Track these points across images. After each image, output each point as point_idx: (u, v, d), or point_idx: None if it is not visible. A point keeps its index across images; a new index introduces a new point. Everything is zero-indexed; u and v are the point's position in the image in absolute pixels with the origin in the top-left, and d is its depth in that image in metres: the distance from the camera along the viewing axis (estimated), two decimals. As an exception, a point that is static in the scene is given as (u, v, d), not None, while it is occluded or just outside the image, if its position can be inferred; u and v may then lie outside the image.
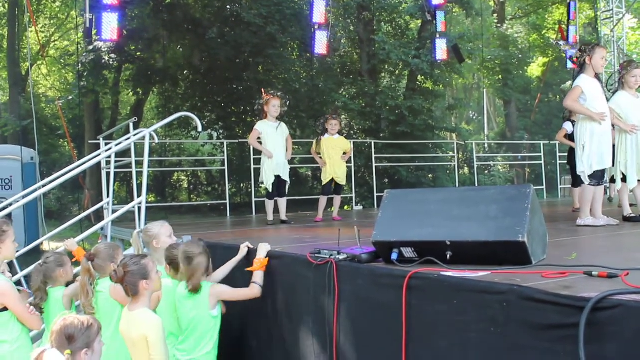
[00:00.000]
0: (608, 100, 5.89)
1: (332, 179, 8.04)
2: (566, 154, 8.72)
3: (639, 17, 25.67)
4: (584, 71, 5.65)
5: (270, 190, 7.47)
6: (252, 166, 10.57)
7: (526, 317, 2.40)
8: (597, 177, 5.61)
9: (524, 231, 2.94)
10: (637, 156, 5.91)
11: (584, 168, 5.57)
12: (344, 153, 8.15)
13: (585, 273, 2.72)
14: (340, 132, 8.24)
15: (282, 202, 7.65)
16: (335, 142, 8.08)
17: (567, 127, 8.04)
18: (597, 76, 5.74)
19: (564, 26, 13.89)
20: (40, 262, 4.20)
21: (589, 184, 5.61)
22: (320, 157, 8.11)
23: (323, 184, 8.18)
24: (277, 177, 7.40)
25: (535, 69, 27.23)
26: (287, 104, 8.26)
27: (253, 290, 3.94)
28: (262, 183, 7.55)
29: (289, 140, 7.61)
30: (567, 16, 13.53)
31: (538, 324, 2.35)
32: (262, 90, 7.80)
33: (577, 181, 7.37)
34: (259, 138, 7.45)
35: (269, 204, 7.60)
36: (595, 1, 15.67)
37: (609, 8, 14.12)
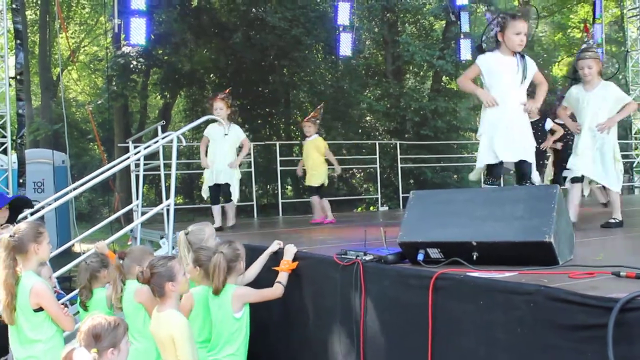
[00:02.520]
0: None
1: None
2: None
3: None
4: (498, 47, 4.85)
5: (211, 198, 7.38)
6: (279, 168, 10.67)
7: (553, 318, 2.39)
8: (493, 174, 4.92)
9: (550, 231, 2.93)
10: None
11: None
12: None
13: (613, 273, 2.69)
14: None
15: (229, 207, 7.47)
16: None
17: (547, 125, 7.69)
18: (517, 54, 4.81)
19: (589, 25, 13.71)
20: (85, 261, 4.29)
21: (484, 183, 5.12)
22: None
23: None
24: (218, 185, 7.22)
25: (560, 68, 26.95)
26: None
27: (277, 291, 3.97)
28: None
29: (245, 144, 7.38)
30: (593, 15, 13.35)
31: (565, 325, 2.35)
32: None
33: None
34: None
35: (215, 210, 7.42)
36: (620, -1, 15.46)
37: (635, 6, 13.91)
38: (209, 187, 7.27)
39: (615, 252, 3.92)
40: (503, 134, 4.71)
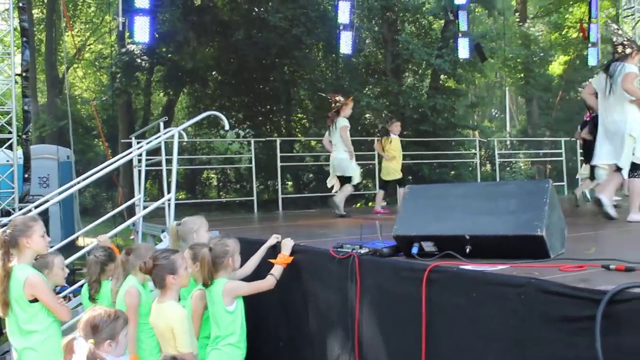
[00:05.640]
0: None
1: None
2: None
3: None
4: (627, 60, 5.61)
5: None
6: (279, 163, 10.77)
7: (544, 310, 2.44)
8: None
9: (542, 225, 2.98)
10: None
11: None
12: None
13: (603, 266, 2.74)
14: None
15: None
16: (397, 142, 8.82)
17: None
18: None
19: (585, 24, 13.79)
20: (95, 254, 4.34)
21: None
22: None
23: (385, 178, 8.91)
24: None
25: (556, 67, 27.04)
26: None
27: (268, 282, 4.00)
28: None
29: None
30: (589, 14, 13.42)
31: (556, 317, 2.39)
32: None
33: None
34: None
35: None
36: (615, -1, 15.55)
37: (630, 6, 14.00)
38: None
39: (607, 246, 3.98)
40: None
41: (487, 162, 21.06)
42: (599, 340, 2.13)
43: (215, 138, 18.84)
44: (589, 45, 13.66)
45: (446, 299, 2.91)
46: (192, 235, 4.54)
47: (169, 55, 17.04)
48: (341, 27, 11.73)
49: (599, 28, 13.96)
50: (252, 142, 11.94)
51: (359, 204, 15.27)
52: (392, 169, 8.80)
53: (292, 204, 13.69)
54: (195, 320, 3.96)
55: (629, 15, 14.11)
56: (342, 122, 8.02)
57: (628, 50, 5.69)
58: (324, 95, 9.59)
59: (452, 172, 17.13)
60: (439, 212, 3.35)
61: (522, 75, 24.76)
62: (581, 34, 14.54)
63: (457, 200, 3.39)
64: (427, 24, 18.88)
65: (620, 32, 6.05)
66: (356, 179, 8.02)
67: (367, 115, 18.66)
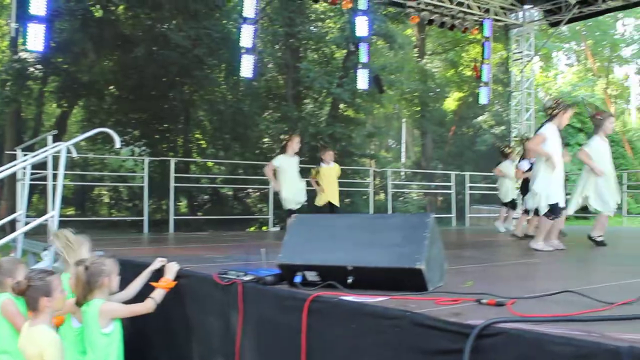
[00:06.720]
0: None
1: (329, 202, 8.87)
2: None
3: (544, 61, 27.17)
4: (551, 120, 6.35)
5: None
6: (172, 184, 10.57)
7: (418, 342, 2.49)
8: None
9: (422, 259, 3.06)
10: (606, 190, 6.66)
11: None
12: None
13: (476, 301, 2.84)
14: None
15: None
16: (331, 170, 9.01)
17: (523, 166, 9.01)
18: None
19: (478, 64, 14.51)
20: None
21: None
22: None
23: (320, 206, 9.00)
24: None
25: (450, 103, 28.26)
26: None
27: (147, 305, 3.89)
28: None
29: None
30: (482, 55, 14.13)
31: (429, 349, 2.44)
32: None
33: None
34: None
35: None
36: (507, 43, 16.48)
37: (519, 50, 14.93)
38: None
39: (486, 279, 4.13)
40: None
41: (382, 191, 21.60)
42: (467, 374, 2.18)
43: (109, 154, 18.31)
44: (481, 84, 14.34)
45: (326, 329, 2.92)
46: (71, 252, 4.32)
47: (65, 66, 16.49)
48: (244, 51, 11.72)
49: (490, 69, 14.71)
50: (146, 160, 11.65)
51: (252, 228, 15.24)
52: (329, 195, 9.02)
53: (185, 226, 13.46)
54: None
55: (518, 59, 15.02)
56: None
57: (555, 112, 6.38)
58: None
59: (347, 200, 17.41)
60: (324, 242, 3.38)
61: (418, 108, 25.69)
62: (474, 73, 15.25)
63: (343, 231, 3.43)
64: (329, 53, 19.26)
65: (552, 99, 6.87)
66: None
67: (265, 140, 18.73)
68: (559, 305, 2.77)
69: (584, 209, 7.08)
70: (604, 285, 3.67)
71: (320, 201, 8.97)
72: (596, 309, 2.64)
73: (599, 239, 6.73)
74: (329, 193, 8.89)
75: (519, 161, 9.34)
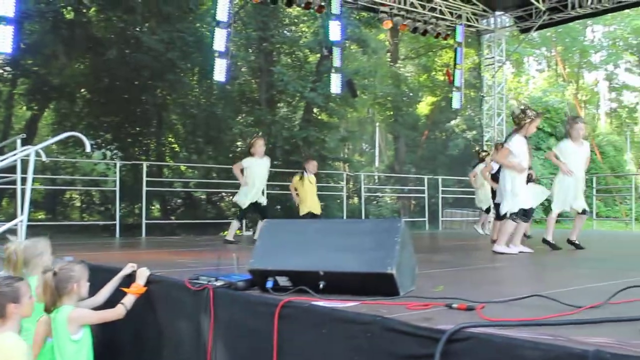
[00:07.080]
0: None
1: (310, 212, 9.22)
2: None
3: (516, 66, 27.53)
4: (518, 131, 6.51)
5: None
6: (144, 188, 10.49)
7: (389, 348, 2.49)
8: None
9: (393, 263, 3.06)
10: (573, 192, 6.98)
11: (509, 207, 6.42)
12: None
13: (447, 305, 2.85)
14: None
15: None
16: (312, 179, 9.49)
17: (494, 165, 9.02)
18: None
19: (451, 70, 14.66)
20: None
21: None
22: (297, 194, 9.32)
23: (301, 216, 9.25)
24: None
25: (423, 107, 28.47)
26: None
27: (117, 311, 3.84)
28: None
29: None
30: (455, 60, 14.28)
31: (400, 354, 2.44)
32: None
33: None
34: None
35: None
36: (479, 48, 16.68)
37: (491, 55, 15.15)
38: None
39: (456, 284, 4.16)
40: None
41: (355, 195, 21.67)
42: (437, 378, 2.19)
43: (80, 158, 18.10)
44: (454, 89, 14.48)
45: (297, 334, 2.91)
46: (35, 260, 4.24)
47: (35, 68, 16.26)
48: (217, 54, 11.68)
49: (463, 74, 14.87)
50: (118, 164, 11.56)
51: (226, 232, 15.15)
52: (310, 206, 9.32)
53: (157, 230, 13.35)
54: (34, 347, 3.71)
55: (489, 64, 15.23)
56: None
57: (522, 123, 6.52)
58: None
59: (321, 204, 17.40)
60: (296, 247, 3.37)
61: (391, 112, 25.83)
62: (447, 77, 15.42)
63: (314, 236, 3.42)
64: (303, 57, 19.29)
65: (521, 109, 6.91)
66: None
67: (238, 143, 18.66)
68: (528, 310, 2.80)
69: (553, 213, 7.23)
70: (572, 288, 3.71)
71: (301, 212, 9.17)
72: (564, 312, 2.67)
73: (552, 241, 7.01)
74: (310, 203, 9.15)
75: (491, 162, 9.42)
